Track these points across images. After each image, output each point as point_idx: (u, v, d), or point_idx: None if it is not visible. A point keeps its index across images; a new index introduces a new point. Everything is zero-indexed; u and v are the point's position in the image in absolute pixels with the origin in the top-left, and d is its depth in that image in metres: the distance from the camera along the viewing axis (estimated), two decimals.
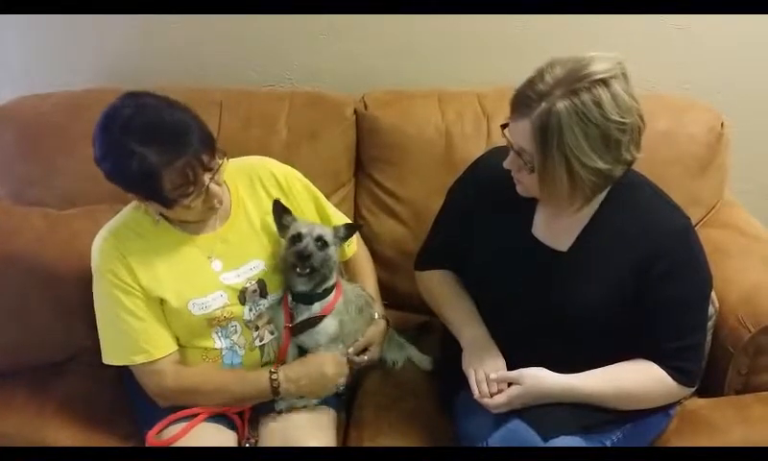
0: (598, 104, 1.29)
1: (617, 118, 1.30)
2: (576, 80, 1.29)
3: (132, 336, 1.53)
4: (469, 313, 1.61)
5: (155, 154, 1.38)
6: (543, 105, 1.30)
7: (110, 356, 1.57)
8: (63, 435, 1.64)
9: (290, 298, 1.61)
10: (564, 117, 1.29)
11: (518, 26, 2.13)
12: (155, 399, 1.56)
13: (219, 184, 1.50)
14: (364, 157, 2.05)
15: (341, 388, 1.64)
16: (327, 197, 1.90)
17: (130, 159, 1.38)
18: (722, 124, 2.00)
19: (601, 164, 1.33)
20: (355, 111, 2.03)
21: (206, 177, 1.45)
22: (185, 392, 1.56)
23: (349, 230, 1.67)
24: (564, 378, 1.44)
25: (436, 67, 2.17)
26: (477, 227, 1.59)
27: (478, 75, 2.15)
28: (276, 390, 1.55)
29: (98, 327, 1.58)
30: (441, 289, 1.69)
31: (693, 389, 1.51)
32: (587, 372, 1.45)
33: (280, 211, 1.59)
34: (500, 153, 1.48)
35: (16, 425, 1.65)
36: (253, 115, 1.99)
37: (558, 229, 1.48)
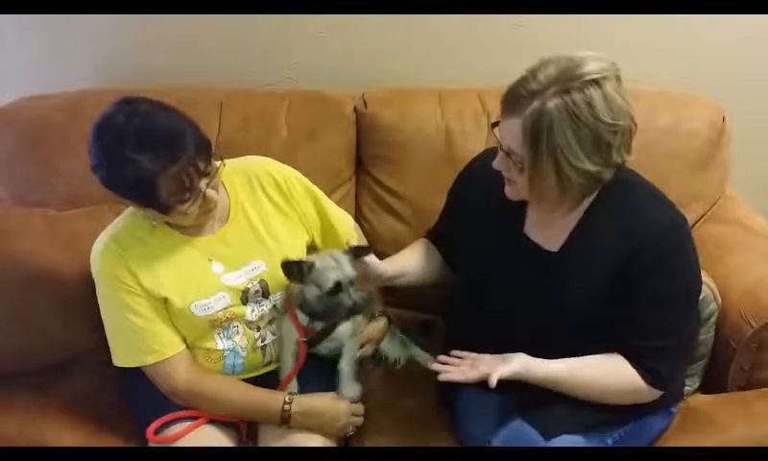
0: (590, 104, 1.28)
1: (608, 120, 1.29)
2: (568, 79, 1.28)
3: (141, 336, 1.53)
4: (394, 258, 1.67)
5: (149, 161, 1.37)
6: (535, 103, 1.29)
7: (121, 359, 1.57)
8: (65, 436, 1.64)
9: (301, 315, 1.59)
10: (555, 116, 1.28)
11: (518, 24, 2.12)
12: (169, 397, 1.56)
13: (215, 189, 1.49)
14: (364, 156, 2.04)
15: (350, 433, 1.63)
16: (328, 195, 1.89)
17: (124, 167, 1.37)
18: (723, 119, 2.00)
19: (590, 166, 1.32)
20: (355, 110, 2.02)
21: (203, 182, 1.45)
22: (197, 397, 1.56)
23: (361, 250, 1.58)
24: (543, 363, 1.44)
25: (436, 65, 2.17)
26: (470, 226, 1.59)
27: (478, 73, 2.15)
28: (286, 419, 1.55)
29: (106, 332, 1.58)
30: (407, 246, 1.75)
31: (661, 393, 1.47)
32: (560, 360, 1.45)
33: (291, 268, 1.52)
34: (495, 153, 1.48)
35: (18, 426, 1.65)
36: (253, 115, 1.99)
37: (549, 228, 1.47)
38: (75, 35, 2.11)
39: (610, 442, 1.45)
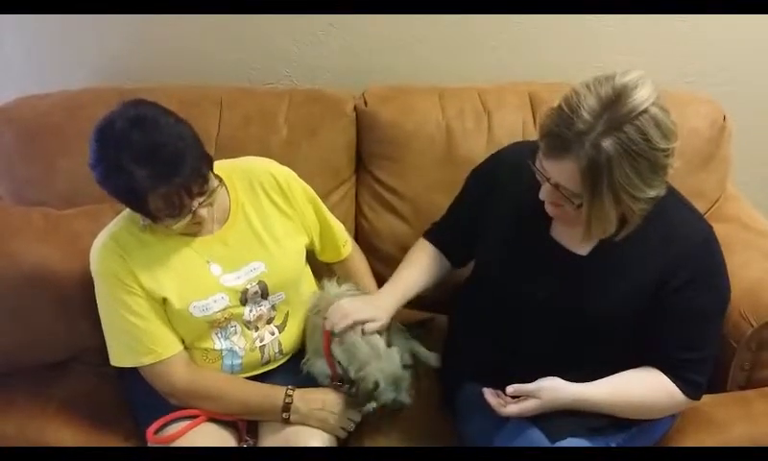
0: (645, 137, 1.24)
1: (663, 145, 1.26)
2: (619, 114, 1.23)
3: (138, 337, 1.53)
4: (400, 280, 1.65)
5: (144, 177, 1.36)
6: (587, 144, 1.24)
7: (118, 359, 1.57)
8: (65, 435, 1.64)
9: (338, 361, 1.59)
10: (614, 156, 1.23)
11: (519, 22, 2.12)
12: (166, 398, 1.56)
13: (211, 205, 1.48)
14: (364, 154, 2.04)
15: (350, 428, 1.62)
16: (328, 194, 1.89)
17: (118, 174, 1.37)
18: (724, 117, 1.99)
19: (651, 192, 1.29)
20: (355, 108, 2.01)
21: (195, 202, 1.44)
22: (196, 396, 1.56)
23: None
24: (578, 389, 1.43)
25: (436, 63, 2.16)
26: (490, 222, 1.57)
27: (479, 71, 2.15)
28: (287, 406, 1.55)
29: (104, 331, 1.58)
30: (410, 255, 1.72)
31: (697, 402, 1.49)
32: (598, 381, 1.44)
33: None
34: (521, 149, 1.46)
35: (18, 425, 1.65)
36: (253, 113, 1.98)
37: (577, 232, 1.41)
38: (74, 33, 2.10)
39: (614, 445, 1.45)
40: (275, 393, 1.57)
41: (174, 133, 1.40)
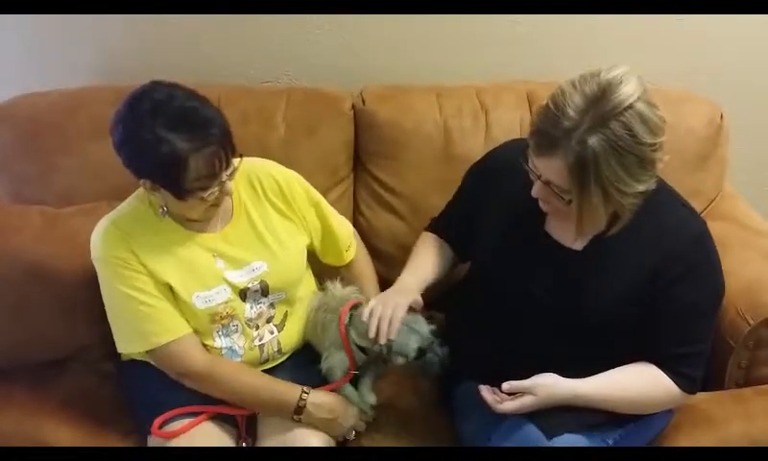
0: (630, 132, 1.25)
1: (650, 140, 1.27)
2: (603, 111, 1.24)
3: (148, 316, 1.50)
4: (417, 265, 1.65)
5: (184, 141, 1.37)
6: (573, 142, 1.25)
7: (128, 345, 1.56)
8: (63, 432, 1.63)
9: (358, 353, 1.58)
10: (600, 152, 1.24)
11: (517, 21, 2.12)
12: (180, 379, 1.54)
13: (232, 179, 1.49)
14: (362, 153, 2.04)
15: (351, 438, 1.63)
16: (326, 193, 1.89)
17: (157, 144, 1.37)
18: (721, 116, 2.00)
19: (640, 187, 1.30)
20: (353, 107, 2.01)
21: (225, 174, 1.45)
22: (211, 380, 1.54)
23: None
24: (575, 384, 1.43)
25: (434, 62, 2.16)
26: (486, 221, 1.58)
27: (476, 70, 2.15)
28: (300, 409, 1.55)
29: (110, 319, 1.56)
30: (419, 245, 1.73)
31: (693, 395, 1.50)
32: (595, 377, 1.44)
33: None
34: (516, 146, 1.46)
35: (16, 423, 1.65)
36: (251, 111, 1.97)
37: (571, 228, 1.42)
38: (73, 31, 2.10)
39: (611, 442, 1.45)
40: (290, 392, 1.55)
41: (198, 101, 1.43)
